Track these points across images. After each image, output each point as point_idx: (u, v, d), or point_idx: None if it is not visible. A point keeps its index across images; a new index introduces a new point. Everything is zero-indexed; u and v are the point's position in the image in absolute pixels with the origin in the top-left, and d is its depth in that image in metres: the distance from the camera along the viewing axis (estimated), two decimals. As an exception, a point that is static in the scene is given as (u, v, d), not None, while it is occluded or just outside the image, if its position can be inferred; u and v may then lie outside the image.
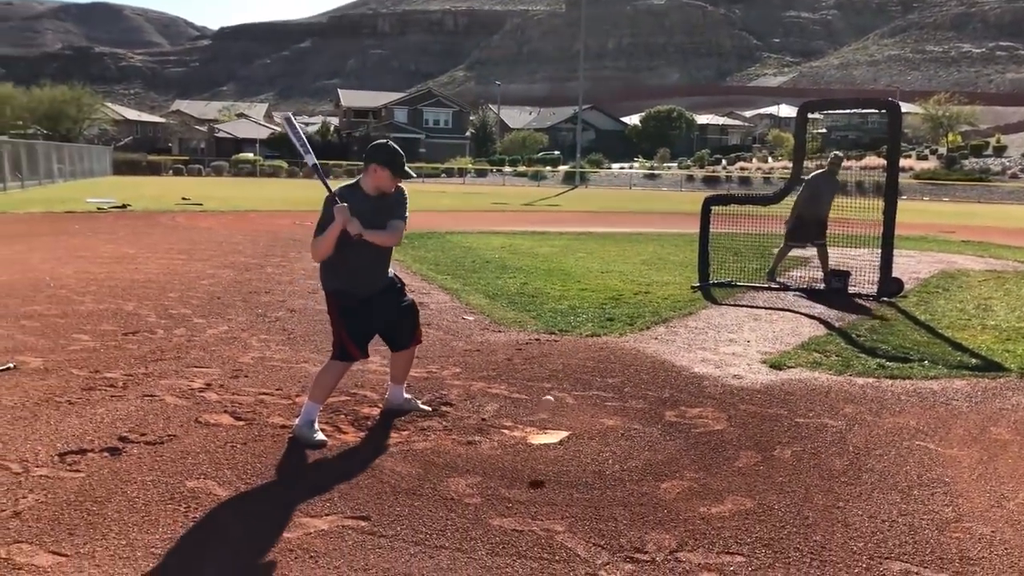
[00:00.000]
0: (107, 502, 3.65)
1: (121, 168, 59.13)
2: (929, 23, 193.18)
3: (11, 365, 5.81)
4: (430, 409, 5.10)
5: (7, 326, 7.16)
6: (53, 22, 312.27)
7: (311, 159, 4.68)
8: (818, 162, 11.49)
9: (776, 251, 11.33)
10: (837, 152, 11.88)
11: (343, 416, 4.95)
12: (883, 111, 10.51)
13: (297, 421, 4.60)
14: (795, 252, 11.64)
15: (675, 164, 75.63)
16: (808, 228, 11.04)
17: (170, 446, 4.37)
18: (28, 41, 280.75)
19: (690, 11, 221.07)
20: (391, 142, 4.62)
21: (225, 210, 23.99)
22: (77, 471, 3.99)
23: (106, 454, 4.23)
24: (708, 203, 10.96)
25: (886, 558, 3.35)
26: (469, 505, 3.74)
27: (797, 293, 10.26)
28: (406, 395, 5.12)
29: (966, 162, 62.93)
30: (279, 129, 79.97)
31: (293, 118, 4.96)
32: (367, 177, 4.47)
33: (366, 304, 4.63)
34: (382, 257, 4.69)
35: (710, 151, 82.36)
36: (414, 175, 4.87)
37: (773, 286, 10.73)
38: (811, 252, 11.57)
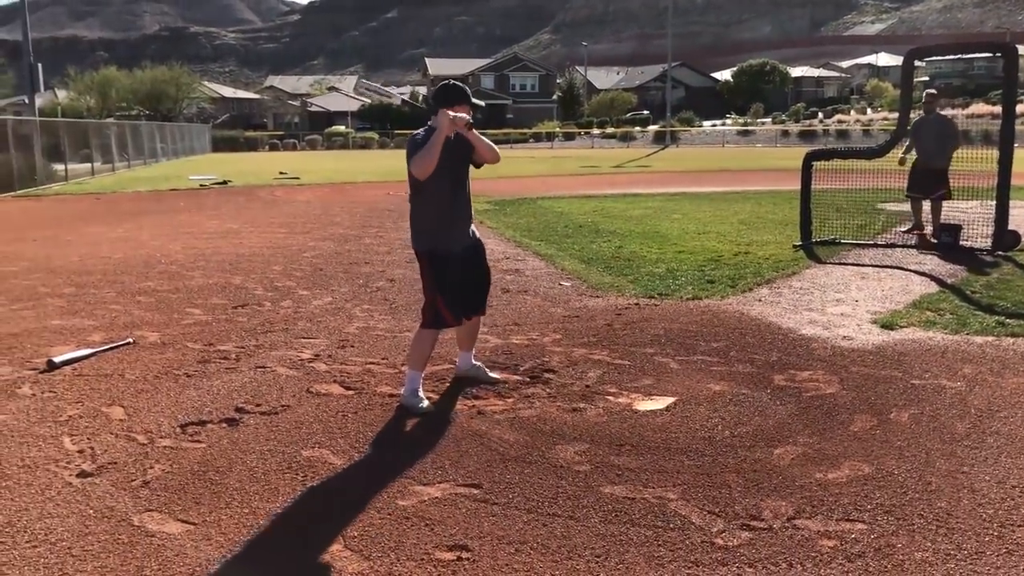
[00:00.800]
0: (228, 472, 3.78)
1: (220, 145, 60.95)
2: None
3: (131, 340, 6.07)
4: (499, 378, 5.05)
5: (124, 302, 7.48)
6: (150, 4, 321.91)
7: None
8: (921, 111, 10.97)
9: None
10: (929, 89, 11.33)
11: (447, 384, 5.00)
12: (998, 55, 9.94)
13: (403, 391, 4.67)
14: (904, 207, 11.20)
15: (769, 119, 73.50)
16: (918, 179, 10.62)
17: (284, 416, 4.49)
18: (128, 24, 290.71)
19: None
20: (453, 81, 4.68)
21: (321, 183, 24.49)
22: (198, 441, 4.15)
23: (224, 425, 4.38)
24: (809, 158, 10.61)
25: (1019, 526, 3.20)
26: (579, 472, 3.73)
27: (906, 248, 9.88)
28: (475, 362, 5.12)
29: (1086, 105, 59.32)
30: (369, 100, 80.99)
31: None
32: (438, 119, 4.43)
33: (457, 262, 4.63)
34: (468, 198, 4.72)
35: (805, 104, 79.74)
36: (483, 103, 4.95)
37: (908, 240, 10.32)
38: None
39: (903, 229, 11.05)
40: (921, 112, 10.86)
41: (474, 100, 4.57)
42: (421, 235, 4.67)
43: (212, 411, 4.57)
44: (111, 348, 5.86)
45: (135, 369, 5.38)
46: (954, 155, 10.41)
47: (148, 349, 5.87)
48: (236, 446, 4.08)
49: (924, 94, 11.07)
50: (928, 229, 10.55)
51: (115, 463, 3.88)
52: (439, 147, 4.31)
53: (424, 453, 3.97)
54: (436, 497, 3.51)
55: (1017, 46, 11.05)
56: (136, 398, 4.81)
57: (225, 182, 24.49)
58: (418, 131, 4.50)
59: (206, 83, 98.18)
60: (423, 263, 4.69)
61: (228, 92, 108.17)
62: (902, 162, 10.78)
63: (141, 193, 21.34)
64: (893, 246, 10.15)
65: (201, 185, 23.67)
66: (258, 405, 4.67)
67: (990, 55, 11.41)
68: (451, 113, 4.33)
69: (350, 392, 4.88)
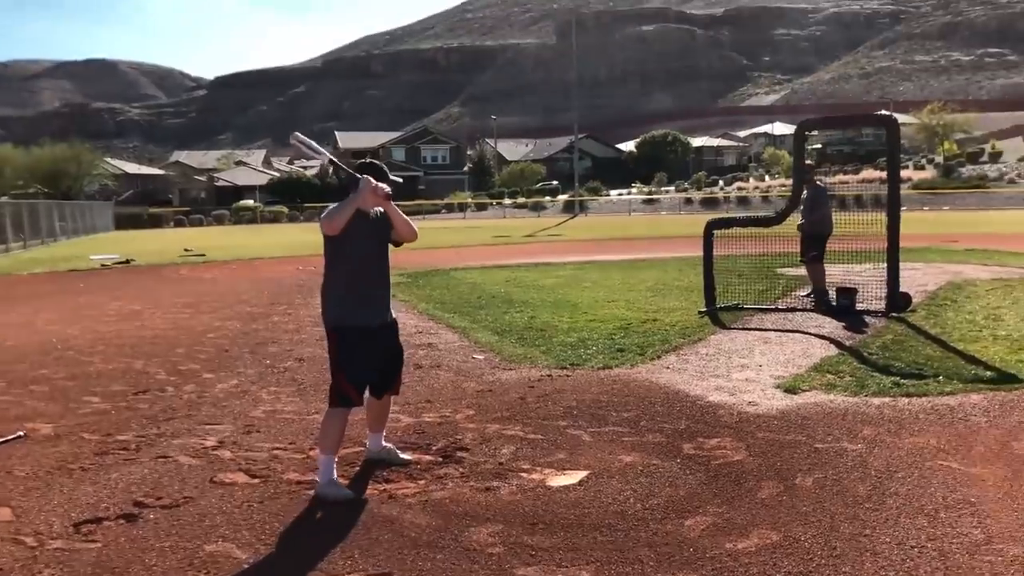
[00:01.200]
0: (125, 572, 3.60)
1: (123, 222, 59.46)
2: (917, 34, 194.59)
3: (21, 434, 5.78)
4: (411, 459, 4.96)
5: (16, 393, 7.14)
6: (50, 81, 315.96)
7: (325, 157, 4.75)
8: (816, 178, 11.47)
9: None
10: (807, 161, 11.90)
11: (357, 467, 4.90)
12: (880, 126, 10.52)
13: (317, 479, 4.53)
14: (803, 271, 11.58)
15: (672, 188, 75.82)
16: (803, 243, 11.04)
17: (187, 509, 4.32)
18: (26, 101, 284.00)
19: (679, 35, 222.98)
20: (371, 159, 4.73)
21: (228, 259, 24.07)
22: (93, 541, 3.95)
23: (122, 521, 4.18)
24: (710, 227, 10.95)
25: (919, 587, 3.29)
26: (492, 555, 3.69)
27: (805, 312, 10.22)
28: (386, 444, 5.02)
29: (963, 170, 63.07)
30: (278, 174, 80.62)
31: (298, 134, 4.96)
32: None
33: (370, 339, 4.53)
34: (386, 274, 4.68)
35: (707, 173, 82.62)
36: (401, 180, 5.02)
37: (807, 304, 10.68)
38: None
39: (803, 293, 11.44)
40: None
41: (392, 177, 4.60)
42: (333, 309, 4.58)
43: (109, 507, 4.37)
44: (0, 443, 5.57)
45: (25, 465, 5.11)
46: (833, 220, 10.91)
47: (41, 442, 5.60)
48: (134, 544, 3.90)
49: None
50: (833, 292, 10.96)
51: (0, 570, 3.66)
52: (353, 207, 4.28)
53: (333, 542, 3.87)
54: (345, 588, 3.41)
55: (898, 116, 11.72)
56: (25, 496, 4.56)
57: (128, 261, 23.84)
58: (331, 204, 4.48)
59: (109, 160, 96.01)
60: (331, 338, 4.58)
61: (132, 168, 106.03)
62: (800, 227, 11.20)
63: (38, 275, 20.58)
64: (794, 310, 10.49)
65: (103, 265, 22.98)
66: (159, 498, 4.48)
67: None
68: (373, 182, 4.33)
69: (256, 480, 4.73)
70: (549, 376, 7.21)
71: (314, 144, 4.78)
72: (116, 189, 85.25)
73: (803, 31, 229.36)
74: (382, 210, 4.48)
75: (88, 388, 7.23)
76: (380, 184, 4.35)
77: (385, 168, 4.62)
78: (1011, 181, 57.72)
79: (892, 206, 9.82)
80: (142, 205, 74.23)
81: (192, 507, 4.35)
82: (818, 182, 11.80)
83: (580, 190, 68.03)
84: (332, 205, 4.40)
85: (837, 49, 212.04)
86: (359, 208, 4.33)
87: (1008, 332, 8.41)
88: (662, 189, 75.59)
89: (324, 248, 4.51)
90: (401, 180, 5.02)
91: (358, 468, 4.89)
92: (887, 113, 11.54)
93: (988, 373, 6.75)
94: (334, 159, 4.81)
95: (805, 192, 10.79)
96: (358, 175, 4.38)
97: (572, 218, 55.18)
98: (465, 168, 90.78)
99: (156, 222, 63.69)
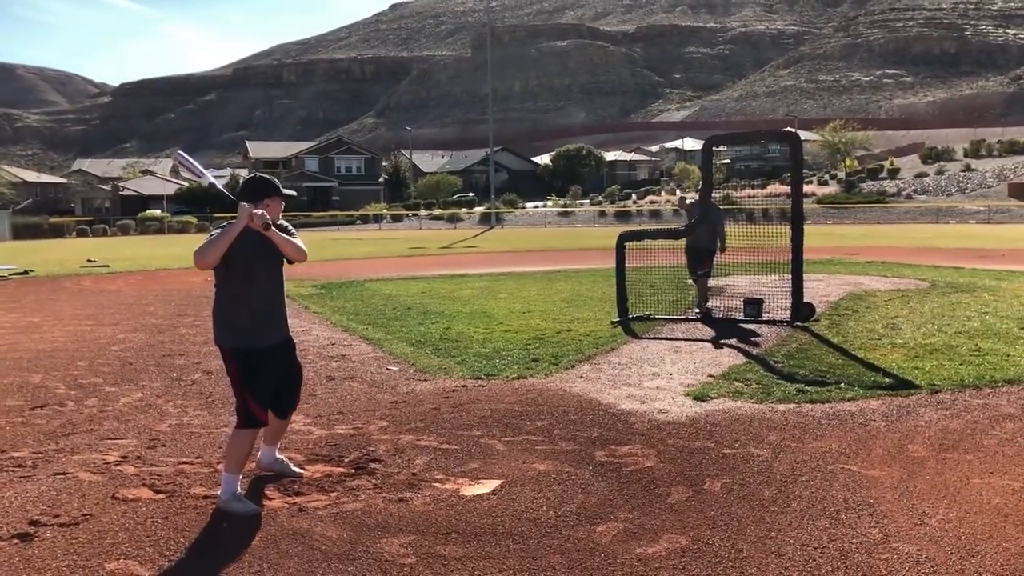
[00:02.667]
0: (19, 593, 3.45)
1: (21, 232, 57.06)
2: (820, 54, 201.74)
3: (-92, 451, 5.48)
4: (301, 472, 4.87)
5: (-98, 409, 6.77)
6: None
7: (208, 178, 4.75)
8: (724, 192, 11.79)
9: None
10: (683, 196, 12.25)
11: (267, 482, 4.80)
12: (784, 142, 10.87)
13: (220, 495, 4.41)
14: (712, 282, 11.86)
15: (587, 200, 76.75)
16: (695, 258, 11.30)
17: (86, 526, 4.16)
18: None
19: (592, 51, 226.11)
20: (260, 173, 4.65)
21: (133, 270, 23.32)
22: (-15, 562, 3.77)
23: (16, 541, 4.00)
24: (622, 239, 11.14)
25: (820, 586, 3.39)
26: (404, 566, 3.66)
27: (714, 321, 10.46)
28: (279, 455, 4.93)
29: (864, 185, 65.60)
30: (186, 184, 78.59)
31: (181, 152, 4.88)
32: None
33: (267, 358, 4.43)
34: (279, 294, 4.56)
35: (620, 186, 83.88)
36: (295, 193, 5.01)
37: (694, 316, 10.94)
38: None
39: (697, 309, 11.52)
40: (695, 197, 11.60)
41: (285, 191, 4.53)
42: (226, 332, 4.41)
43: (2, 526, 4.18)
44: None
45: (-89, 484, 4.85)
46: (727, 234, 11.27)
47: (-72, 461, 5.32)
48: (29, 564, 3.74)
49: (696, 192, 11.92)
50: (709, 304, 11.25)
51: None
52: (227, 240, 4.19)
53: (241, 557, 3.78)
54: (253, 604, 3.34)
55: (802, 133, 12.13)
56: (-89, 517, 4.33)
57: (26, 272, 22.88)
58: (221, 225, 4.35)
59: (6, 167, 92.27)
60: (229, 361, 4.43)
61: (31, 176, 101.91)
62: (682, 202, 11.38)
63: (-73, 286, 19.56)
64: (702, 319, 10.72)
65: (-2, 276, 22.00)
66: (56, 516, 4.30)
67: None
68: (250, 209, 4.22)
69: (160, 495, 4.59)
70: (464, 387, 7.20)
71: (196, 164, 4.73)
72: (14, 198, 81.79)
73: (712, 49, 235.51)
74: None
75: (-19, 404, 6.90)
76: (257, 211, 4.22)
77: (275, 181, 4.53)
78: (908, 196, 60.31)
79: (796, 219, 10.16)
80: (42, 215, 71.30)
81: (92, 524, 4.19)
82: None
83: (496, 202, 68.24)
84: (210, 235, 4.29)
85: (744, 68, 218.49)
86: (247, 227, 4.24)
87: (905, 340, 8.77)
88: (577, 202, 76.43)
89: (214, 271, 4.37)
90: (295, 194, 5.01)
91: (265, 481, 4.79)
92: (790, 130, 11.93)
93: (887, 380, 7.02)
94: (214, 182, 4.79)
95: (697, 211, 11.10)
96: (239, 200, 4.29)
97: (488, 230, 55.30)
98: (380, 179, 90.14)
99: (57, 232, 61.28)
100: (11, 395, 7.21)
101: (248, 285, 4.37)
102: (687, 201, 12.46)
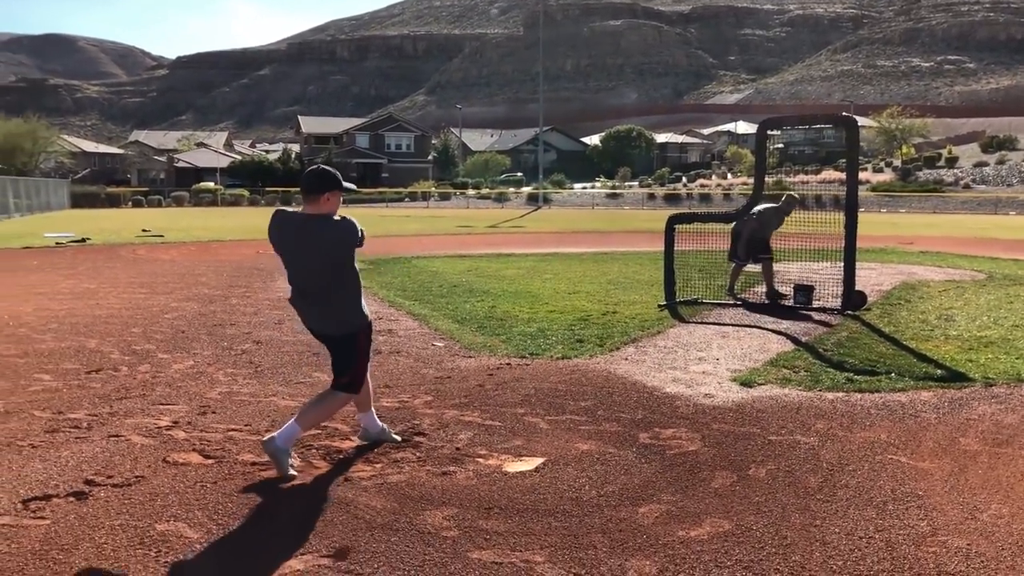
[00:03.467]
0: (74, 549, 3.55)
1: (79, 201, 58.41)
2: (879, 38, 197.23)
3: (-30, 409, 5.66)
4: (400, 439, 5.06)
5: (-35, 368, 6.98)
6: (5, 54, 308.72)
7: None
8: (777, 177, 11.61)
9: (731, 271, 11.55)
10: (793, 195, 12.03)
11: (315, 450, 4.88)
12: (840, 127, 10.67)
13: (276, 437, 4.49)
14: (751, 268, 11.72)
15: (636, 183, 76.24)
16: (754, 246, 11.15)
17: (138, 488, 4.27)
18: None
19: (646, 31, 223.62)
20: (322, 165, 4.75)
21: (187, 241, 23.74)
22: (42, 518, 3.88)
23: (72, 499, 4.12)
24: (672, 222, 11.03)
25: (865, 575, 3.36)
26: (447, 538, 3.69)
27: (764, 307, 10.34)
28: (380, 423, 5.11)
29: (920, 174, 64.21)
30: (239, 157, 79.65)
31: None
32: (322, 206, 4.51)
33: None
34: None
35: (670, 169, 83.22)
36: (355, 187, 5.24)
37: (733, 302, 10.84)
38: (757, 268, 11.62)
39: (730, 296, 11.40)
40: (779, 202, 11.42)
41: (347, 185, 4.68)
42: (359, 312, 4.71)
43: (59, 484, 4.30)
44: (-53, 419, 5.45)
45: (-27, 441, 5.01)
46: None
47: (-11, 419, 5.49)
48: (83, 521, 3.84)
49: (787, 196, 11.72)
50: (761, 290, 11.14)
51: (-55, 545, 3.58)
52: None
53: (287, 523, 3.85)
54: (298, 569, 3.40)
55: (858, 118, 11.90)
56: (-27, 473, 4.47)
57: (84, 240, 23.42)
58: (350, 221, 4.55)
59: (66, 136, 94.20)
60: (362, 338, 4.74)
61: (90, 146, 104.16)
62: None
63: (-11, 251, 20.12)
64: (751, 305, 10.60)
65: (57, 243, 22.55)
66: (109, 476, 4.42)
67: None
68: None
69: (210, 461, 4.68)
70: (508, 365, 7.22)
71: None
72: (73, 167, 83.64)
73: (768, 31, 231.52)
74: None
75: (40, 366, 7.10)
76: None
77: (337, 175, 4.63)
78: (966, 186, 58.93)
79: (850, 205, 9.97)
80: (99, 184, 72.89)
81: (144, 486, 4.29)
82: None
83: (544, 182, 68.11)
84: (356, 225, 4.56)
85: (801, 51, 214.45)
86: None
87: (959, 332, 8.59)
88: (626, 184, 75.97)
89: (340, 258, 4.59)
90: (355, 188, 5.24)
91: (312, 450, 4.87)
92: (847, 114, 11.68)
93: (939, 371, 6.89)
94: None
95: (762, 210, 10.97)
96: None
97: (536, 210, 55.23)
98: (429, 157, 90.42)
99: (114, 201, 62.62)
100: (68, 359, 7.40)
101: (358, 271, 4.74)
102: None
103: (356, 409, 5.08)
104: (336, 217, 4.52)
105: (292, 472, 4.44)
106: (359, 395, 4.87)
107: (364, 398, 4.96)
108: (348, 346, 4.69)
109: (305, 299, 4.67)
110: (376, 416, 5.10)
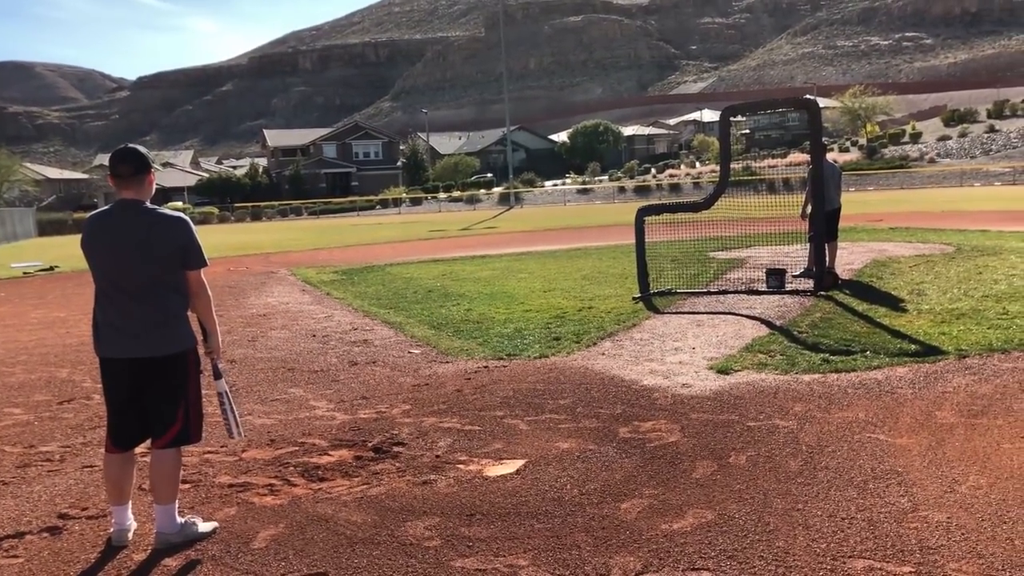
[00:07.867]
0: (50, 586, 3.48)
1: (46, 229, 57.64)
2: (837, 19, 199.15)
3: (-61, 449, 5.55)
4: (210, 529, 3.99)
5: (-67, 407, 6.85)
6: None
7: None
8: (744, 163, 11.65)
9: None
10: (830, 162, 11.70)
11: (292, 468, 4.82)
12: (802, 109, 10.72)
13: (161, 533, 3.82)
14: (733, 254, 11.78)
15: (606, 177, 76.39)
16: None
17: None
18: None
19: (607, 26, 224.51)
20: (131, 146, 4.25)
21: (157, 263, 23.45)
22: (15, 557, 3.80)
23: (46, 534, 4.04)
24: (641, 214, 11.05)
25: (849, 556, 3.35)
26: (429, 548, 3.65)
27: (737, 294, 10.37)
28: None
29: (886, 151, 64.74)
30: (207, 175, 79.06)
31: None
32: (144, 189, 4.19)
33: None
34: None
35: (639, 161, 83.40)
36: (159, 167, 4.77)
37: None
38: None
39: (796, 273, 11.09)
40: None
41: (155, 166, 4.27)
42: (188, 330, 3.97)
43: (31, 520, 4.22)
44: (-85, 460, 5.33)
45: (-57, 481, 4.91)
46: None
47: (-41, 458, 5.38)
48: (58, 557, 3.77)
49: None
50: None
51: (-84, 591, 3.51)
52: None
53: (266, 543, 3.79)
54: (280, 590, 3.34)
55: (821, 100, 11.97)
56: (-57, 514, 4.38)
57: (52, 268, 23.10)
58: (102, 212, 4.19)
59: (28, 164, 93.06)
60: (191, 359, 3.95)
61: (54, 173, 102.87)
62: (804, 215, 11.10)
63: (-44, 285, 19.80)
64: (725, 292, 10.64)
65: (24, 273, 22.24)
66: (84, 509, 4.34)
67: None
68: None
69: (186, 486, 4.61)
70: (486, 367, 7.19)
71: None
72: (37, 195, 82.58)
73: (728, 19, 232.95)
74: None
75: (9, 399, 6.98)
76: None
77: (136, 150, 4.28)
78: (931, 160, 59.51)
79: (816, 186, 10.03)
80: (66, 211, 72.01)
81: (120, 516, 4.21)
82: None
83: (515, 182, 68.11)
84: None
85: (762, 36, 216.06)
86: None
87: (931, 306, 8.65)
88: (596, 179, 76.11)
89: (171, 272, 4.04)
90: (160, 167, 4.90)
91: (288, 467, 4.81)
92: (808, 96, 11.74)
93: (913, 346, 6.94)
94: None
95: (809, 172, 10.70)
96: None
97: (508, 210, 55.19)
98: (398, 163, 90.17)
99: (81, 228, 61.88)
100: (39, 390, 7.28)
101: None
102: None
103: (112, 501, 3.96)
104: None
105: (212, 524, 3.98)
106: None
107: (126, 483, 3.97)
108: (182, 372, 3.95)
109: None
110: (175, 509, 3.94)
